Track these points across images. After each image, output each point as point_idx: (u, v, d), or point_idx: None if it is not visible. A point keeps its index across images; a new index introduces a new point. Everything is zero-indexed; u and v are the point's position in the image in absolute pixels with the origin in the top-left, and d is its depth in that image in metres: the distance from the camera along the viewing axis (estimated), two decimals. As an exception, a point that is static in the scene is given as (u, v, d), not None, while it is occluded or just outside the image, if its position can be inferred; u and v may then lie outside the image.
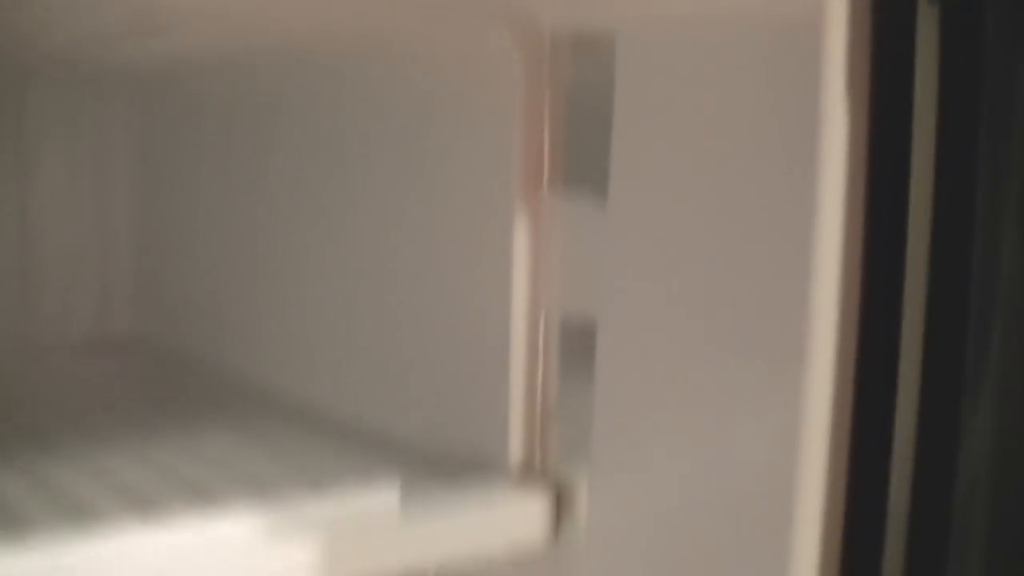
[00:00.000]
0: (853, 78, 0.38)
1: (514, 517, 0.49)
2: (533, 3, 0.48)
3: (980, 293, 0.38)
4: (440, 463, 0.53)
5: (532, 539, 0.49)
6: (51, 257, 0.81)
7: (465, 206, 0.52)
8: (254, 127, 0.69)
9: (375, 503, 0.46)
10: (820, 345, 0.39)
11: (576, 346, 0.50)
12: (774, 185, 0.40)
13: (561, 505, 0.50)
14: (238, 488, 0.47)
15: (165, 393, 0.70)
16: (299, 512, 0.44)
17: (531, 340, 0.50)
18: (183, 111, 0.77)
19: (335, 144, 0.62)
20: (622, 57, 0.45)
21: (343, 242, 0.61)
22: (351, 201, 0.60)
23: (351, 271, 0.60)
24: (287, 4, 0.54)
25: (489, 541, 0.48)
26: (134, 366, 0.78)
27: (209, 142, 0.74)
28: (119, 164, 0.83)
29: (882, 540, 0.42)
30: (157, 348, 0.81)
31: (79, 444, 0.55)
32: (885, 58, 0.39)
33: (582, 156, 0.50)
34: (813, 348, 0.39)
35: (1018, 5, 0.36)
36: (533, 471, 0.51)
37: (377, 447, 0.55)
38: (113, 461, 0.53)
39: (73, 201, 0.82)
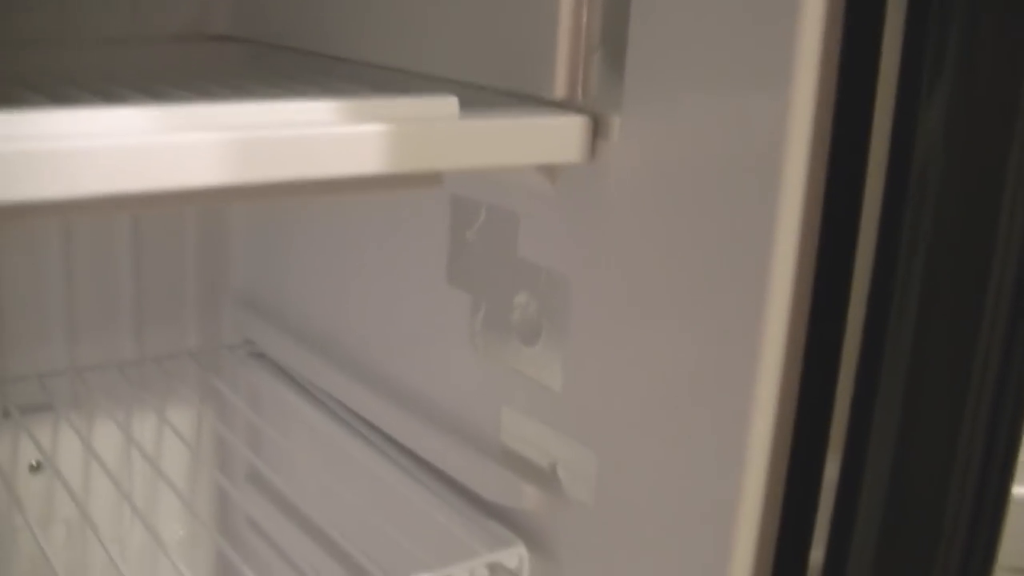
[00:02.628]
0: None
1: (559, 133, 0.57)
2: None
3: None
4: (495, 95, 0.61)
5: (572, 155, 0.57)
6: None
7: None
8: None
9: (436, 108, 0.54)
10: None
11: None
12: None
13: (597, 131, 0.58)
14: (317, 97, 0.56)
15: (260, 68, 0.80)
16: (370, 108, 0.53)
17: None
18: None
19: None
20: None
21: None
22: None
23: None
24: None
25: (536, 151, 0.57)
26: (231, 52, 0.88)
27: None
28: None
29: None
30: (252, 42, 0.89)
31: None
32: None
33: None
34: None
35: None
36: (575, 102, 0.59)
37: (441, 87, 0.64)
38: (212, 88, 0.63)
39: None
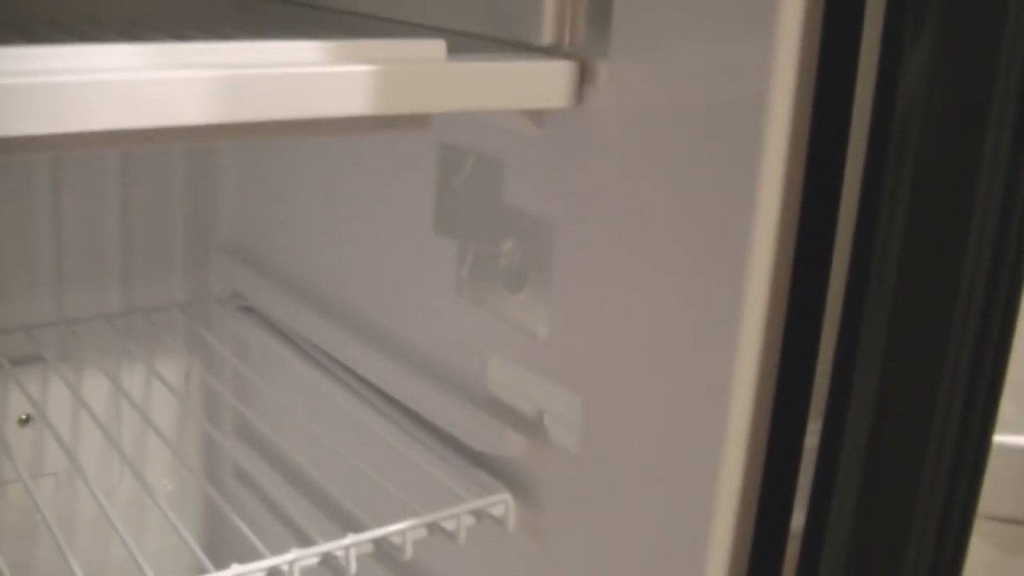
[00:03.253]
0: None
1: (546, 77, 0.57)
2: None
3: None
4: (483, 42, 0.61)
5: (560, 98, 0.57)
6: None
7: None
8: None
9: (424, 51, 0.54)
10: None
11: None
12: None
13: (584, 76, 0.58)
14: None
15: (248, 16, 0.79)
16: (358, 49, 0.53)
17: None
18: None
19: None
20: None
21: None
22: None
23: None
24: None
25: (523, 95, 0.57)
26: (219, 3, 0.87)
27: None
28: None
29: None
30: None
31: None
32: None
33: None
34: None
35: None
36: (563, 47, 0.59)
37: (428, 33, 0.63)
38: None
39: None
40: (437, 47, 0.54)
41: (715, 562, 0.56)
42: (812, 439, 0.54)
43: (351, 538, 0.61)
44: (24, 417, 0.93)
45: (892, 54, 0.48)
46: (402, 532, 0.63)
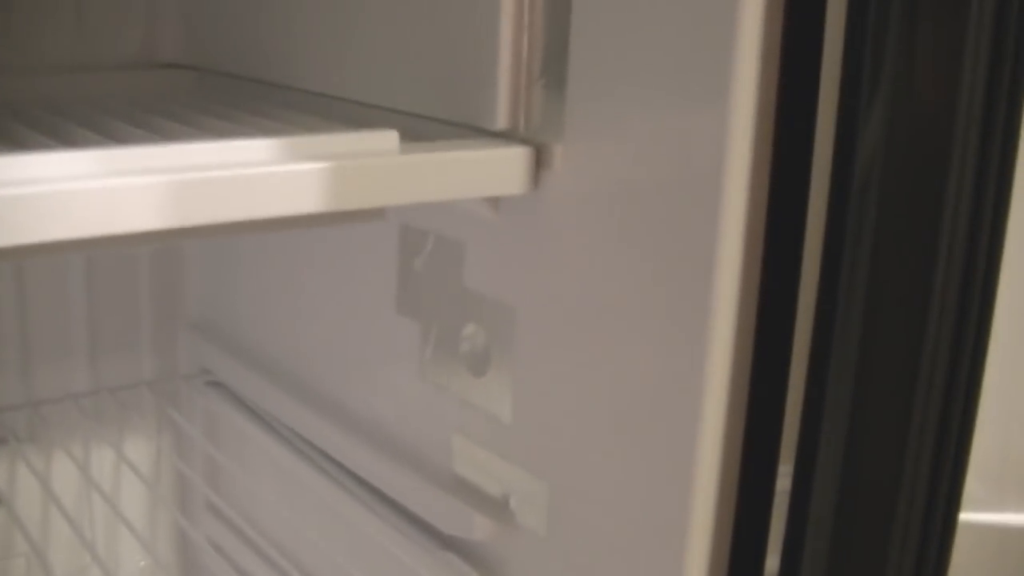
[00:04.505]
0: None
1: (501, 165, 0.57)
2: None
3: None
4: (437, 127, 0.61)
5: (515, 185, 0.57)
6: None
7: None
8: None
9: (376, 143, 0.54)
10: None
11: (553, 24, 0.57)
12: None
13: (540, 161, 0.58)
14: (258, 132, 0.56)
15: (206, 97, 0.79)
16: (310, 145, 0.53)
17: (518, 17, 0.58)
18: None
19: None
20: None
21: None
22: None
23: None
24: None
25: (478, 184, 0.57)
26: (178, 79, 0.87)
27: None
28: None
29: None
30: (199, 69, 0.89)
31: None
32: None
33: None
34: None
35: None
36: (518, 132, 0.59)
37: (384, 117, 0.64)
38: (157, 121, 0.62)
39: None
40: (390, 139, 0.55)
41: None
42: (781, 499, 0.54)
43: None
44: (-7, 498, 0.92)
45: (849, 115, 0.48)
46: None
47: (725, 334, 0.52)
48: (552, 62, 0.57)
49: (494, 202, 0.61)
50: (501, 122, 0.59)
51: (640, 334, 0.54)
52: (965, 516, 0.52)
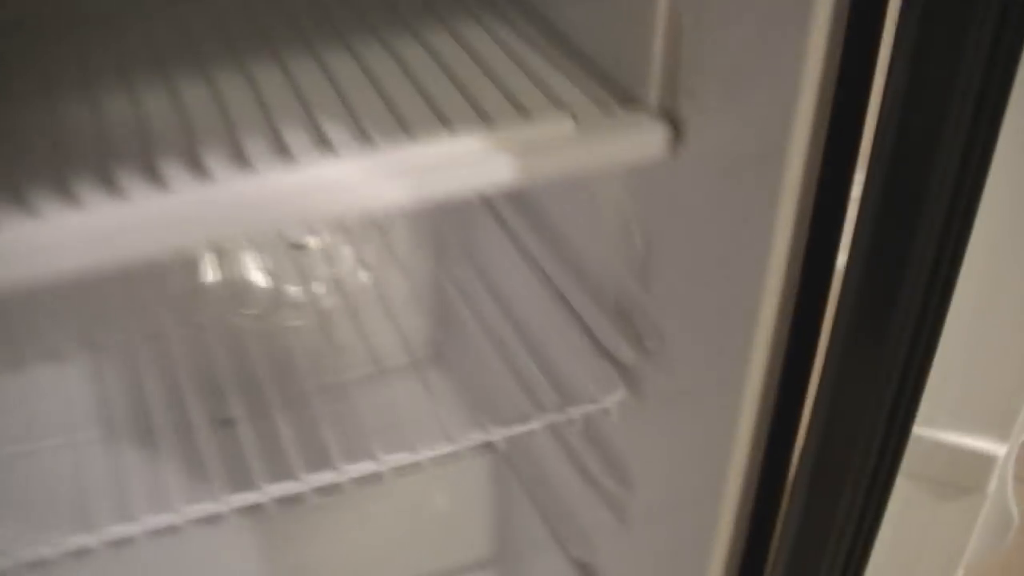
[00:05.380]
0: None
1: (649, 137, 0.78)
2: None
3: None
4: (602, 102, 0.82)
5: (657, 154, 0.79)
6: None
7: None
8: None
9: (556, 130, 0.77)
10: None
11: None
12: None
13: (678, 134, 0.79)
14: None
15: None
16: (503, 137, 0.76)
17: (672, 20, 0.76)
18: None
19: None
20: None
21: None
22: None
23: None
24: None
25: (633, 152, 0.79)
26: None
27: None
28: None
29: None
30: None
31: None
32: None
33: None
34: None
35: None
36: (665, 110, 0.79)
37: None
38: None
39: None
40: (567, 125, 0.77)
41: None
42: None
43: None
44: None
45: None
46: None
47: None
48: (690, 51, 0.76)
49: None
50: (652, 100, 0.79)
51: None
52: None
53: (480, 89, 0.80)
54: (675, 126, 0.78)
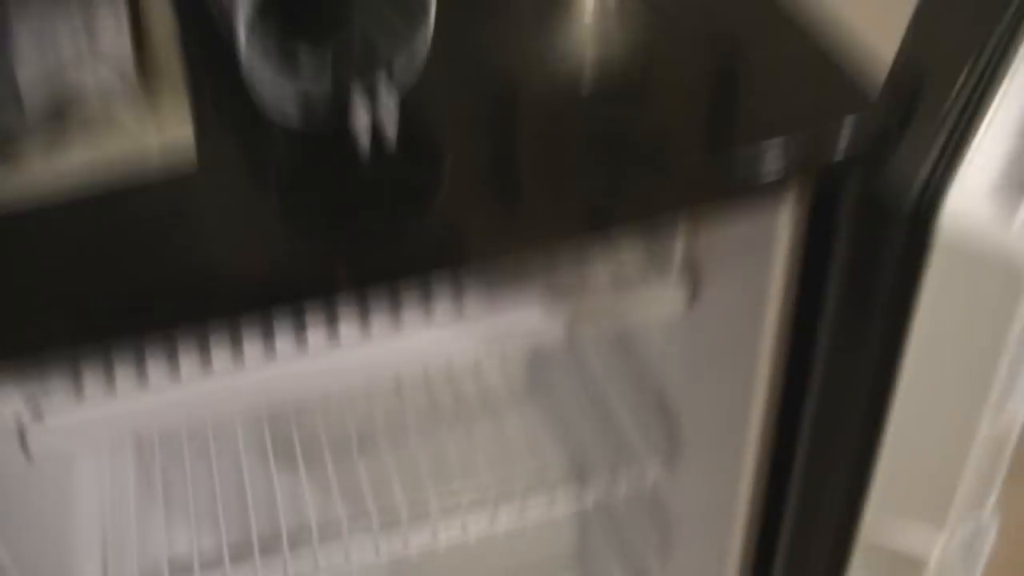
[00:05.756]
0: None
1: (673, 294, 1.10)
2: None
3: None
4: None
5: (679, 308, 1.10)
6: None
7: None
8: None
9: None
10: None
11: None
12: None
13: (696, 292, 1.10)
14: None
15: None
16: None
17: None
18: None
19: None
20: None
21: None
22: None
23: None
24: None
25: (662, 308, 1.10)
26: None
27: None
28: None
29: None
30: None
31: None
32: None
33: None
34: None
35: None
36: (685, 274, 1.10)
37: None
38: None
39: None
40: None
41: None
42: None
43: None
44: None
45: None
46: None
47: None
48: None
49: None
50: (674, 274, 1.11)
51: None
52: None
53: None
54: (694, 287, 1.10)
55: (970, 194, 0.81)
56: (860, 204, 0.86)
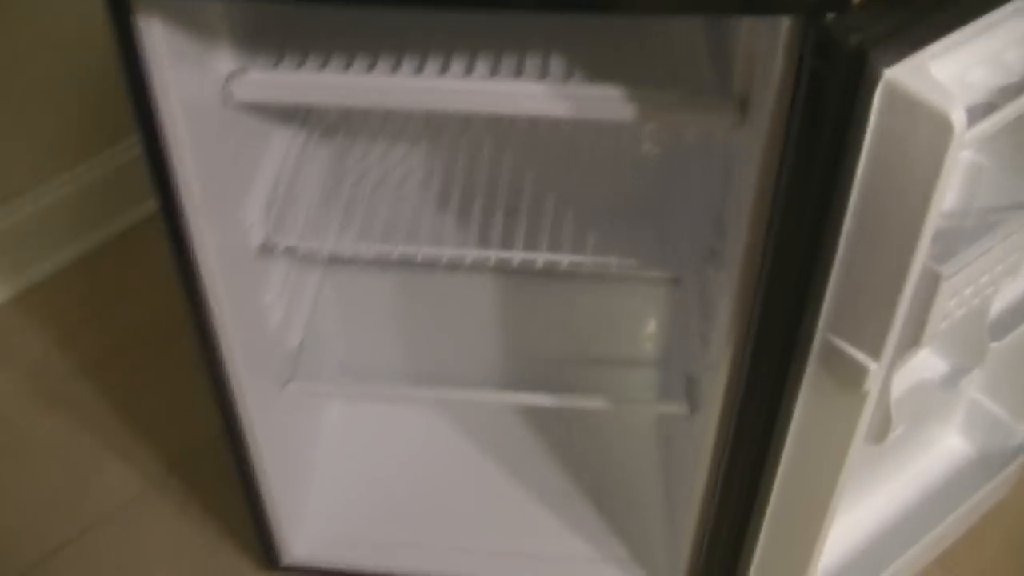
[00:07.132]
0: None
1: (723, 112, 1.22)
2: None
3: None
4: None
5: (731, 122, 1.22)
6: None
7: None
8: None
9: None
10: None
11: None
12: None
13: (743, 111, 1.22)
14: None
15: None
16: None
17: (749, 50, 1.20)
18: None
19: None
20: None
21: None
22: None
23: None
24: None
25: (712, 118, 1.23)
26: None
27: None
28: None
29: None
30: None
31: None
32: None
33: None
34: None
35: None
36: (740, 95, 1.22)
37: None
38: None
39: None
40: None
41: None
42: None
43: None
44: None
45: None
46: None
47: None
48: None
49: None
50: (736, 90, 1.23)
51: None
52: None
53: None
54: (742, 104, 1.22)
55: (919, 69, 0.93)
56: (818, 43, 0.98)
